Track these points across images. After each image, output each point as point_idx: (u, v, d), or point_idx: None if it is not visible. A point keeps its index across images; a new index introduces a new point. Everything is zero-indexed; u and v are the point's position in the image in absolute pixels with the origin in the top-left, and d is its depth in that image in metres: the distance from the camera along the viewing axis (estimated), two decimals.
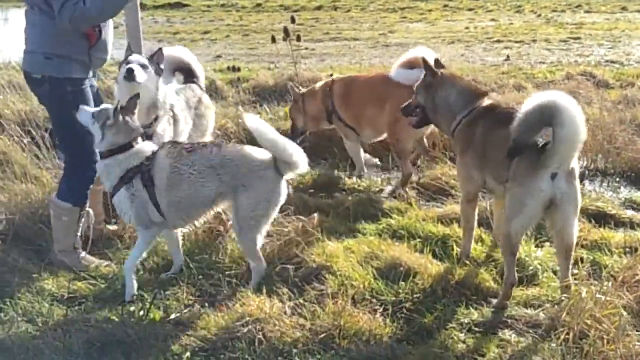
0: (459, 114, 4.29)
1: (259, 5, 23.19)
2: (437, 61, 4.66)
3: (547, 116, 3.52)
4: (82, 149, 4.30)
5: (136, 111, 4.18)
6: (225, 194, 4.01)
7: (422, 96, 4.49)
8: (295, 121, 6.46)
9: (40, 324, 3.67)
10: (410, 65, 5.81)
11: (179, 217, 4.08)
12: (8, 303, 3.88)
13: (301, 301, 3.77)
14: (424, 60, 4.53)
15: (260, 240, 4.06)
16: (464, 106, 4.29)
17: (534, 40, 14.14)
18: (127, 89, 4.47)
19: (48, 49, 4.20)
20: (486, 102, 4.31)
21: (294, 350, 3.37)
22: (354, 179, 6.13)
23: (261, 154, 4.02)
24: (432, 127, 5.46)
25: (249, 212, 3.95)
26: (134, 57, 4.66)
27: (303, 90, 6.50)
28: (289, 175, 4.11)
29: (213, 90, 8.90)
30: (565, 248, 3.74)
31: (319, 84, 6.59)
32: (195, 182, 3.97)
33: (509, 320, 3.62)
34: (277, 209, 4.08)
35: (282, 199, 4.06)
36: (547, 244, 4.54)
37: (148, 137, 4.43)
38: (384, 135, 6.21)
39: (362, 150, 6.48)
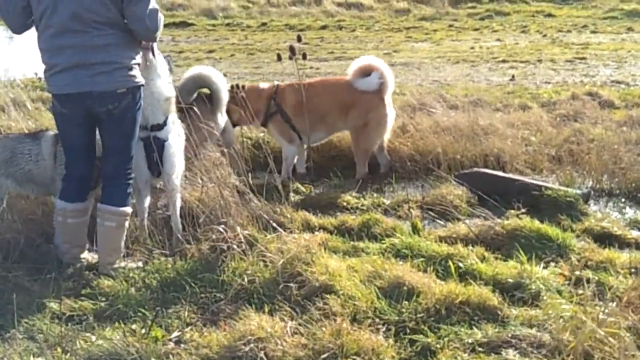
0: None
1: (264, 24, 23.30)
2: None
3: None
4: (132, 153, 4.60)
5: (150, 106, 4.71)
6: None
7: None
8: (231, 114, 6.57)
9: (41, 342, 3.66)
10: (366, 72, 6.46)
11: None
12: (10, 321, 3.86)
13: (303, 320, 3.75)
14: None
15: None
16: None
17: (540, 61, 14.14)
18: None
19: (129, 61, 4.43)
20: None
21: None
22: (354, 195, 6.14)
23: None
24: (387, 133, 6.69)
25: None
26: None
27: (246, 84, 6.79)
28: None
29: None
30: None
31: (262, 85, 6.90)
32: None
33: (513, 340, 3.57)
34: None
35: None
36: (552, 264, 4.53)
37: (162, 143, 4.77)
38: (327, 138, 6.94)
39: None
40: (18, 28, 4.55)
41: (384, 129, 6.67)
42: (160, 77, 4.81)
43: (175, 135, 4.97)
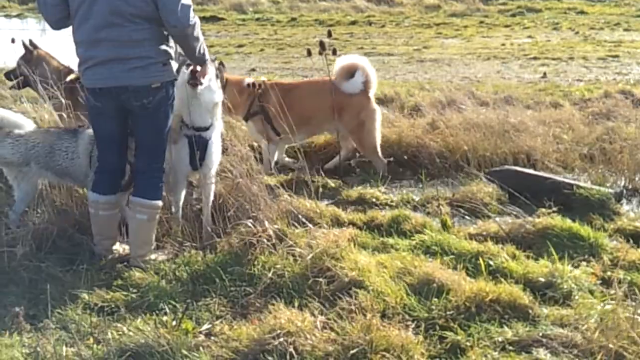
0: None
1: (293, 19, 23.27)
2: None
3: None
4: (164, 147, 4.63)
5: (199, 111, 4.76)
6: None
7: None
8: None
9: (73, 332, 3.70)
10: (350, 72, 6.46)
11: None
12: (42, 310, 3.92)
13: (332, 315, 3.76)
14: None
15: None
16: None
17: (572, 58, 13.98)
18: (190, 92, 4.73)
19: (164, 56, 4.47)
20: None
21: None
22: (382, 192, 6.13)
23: None
24: None
25: None
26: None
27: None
28: None
29: None
30: None
31: (248, 80, 6.77)
32: None
33: (544, 340, 3.55)
34: None
35: None
36: (584, 263, 4.49)
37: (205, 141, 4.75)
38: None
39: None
40: (54, 23, 4.59)
41: (378, 123, 6.66)
42: (208, 85, 4.82)
43: (217, 133, 5.01)
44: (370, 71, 6.56)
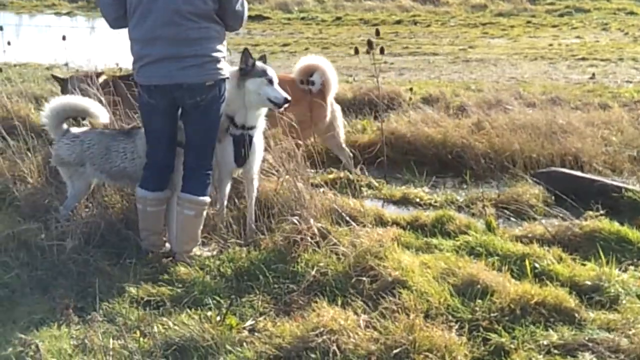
0: None
1: (338, 18, 23.29)
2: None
3: None
4: (214, 144, 4.72)
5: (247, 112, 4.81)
6: None
7: None
8: None
9: (120, 325, 3.77)
10: (309, 72, 6.37)
11: None
12: (90, 303, 4.00)
13: (376, 314, 3.76)
14: None
15: None
16: None
17: (621, 59, 13.73)
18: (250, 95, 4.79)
19: (220, 54, 4.56)
20: None
21: None
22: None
23: None
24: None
25: None
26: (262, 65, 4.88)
27: None
28: None
29: None
30: None
31: None
32: None
33: (590, 344, 3.50)
34: None
35: None
36: (631, 267, 4.41)
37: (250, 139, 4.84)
38: None
39: None
40: (113, 21, 4.67)
41: (321, 128, 6.52)
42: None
43: (261, 131, 5.05)
44: (331, 73, 6.43)
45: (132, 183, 4.91)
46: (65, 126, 4.98)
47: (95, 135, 5.02)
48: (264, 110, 4.96)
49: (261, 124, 5.02)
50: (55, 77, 6.80)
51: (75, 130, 5.05)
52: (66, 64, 10.89)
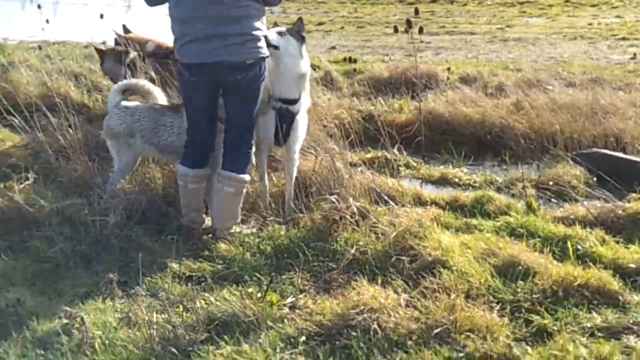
0: None
1: None
2: None
3: None
4: (254, 121, 4.73)
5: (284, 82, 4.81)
6: None
7: None
8: None
9: (163, 299, 3.81)
10: None
11: None
12: (133, 278, 4.06)
13: (416, 294, 3.76)
14: None
15: None
16: None
17: None
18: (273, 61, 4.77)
19: (261, 33, 4.58)
20: None
21: (409, 342, 3.35)
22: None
23: None
24: None
25: None
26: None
27: None
28: None
29: (328, 81, 8.98)
30: None
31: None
32: None
33: (635, 327, 3.46)
34: None
35: None
36: None
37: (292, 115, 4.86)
38: None
39: None
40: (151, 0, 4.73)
41: None
42: (293, 55, 4.84)
43: (304, 109, 5.04)
44: None
45: (179, 158, 4.95)
46: (118, 98, 5.09)
47: (144, 108, 5.11)
48: (302, 82, 4.93)
49: (304, 101, 5.00)
50: (96, 49, 6.89)
51: (126, 102, 5.13)
52: (104, 42, 10.97)
